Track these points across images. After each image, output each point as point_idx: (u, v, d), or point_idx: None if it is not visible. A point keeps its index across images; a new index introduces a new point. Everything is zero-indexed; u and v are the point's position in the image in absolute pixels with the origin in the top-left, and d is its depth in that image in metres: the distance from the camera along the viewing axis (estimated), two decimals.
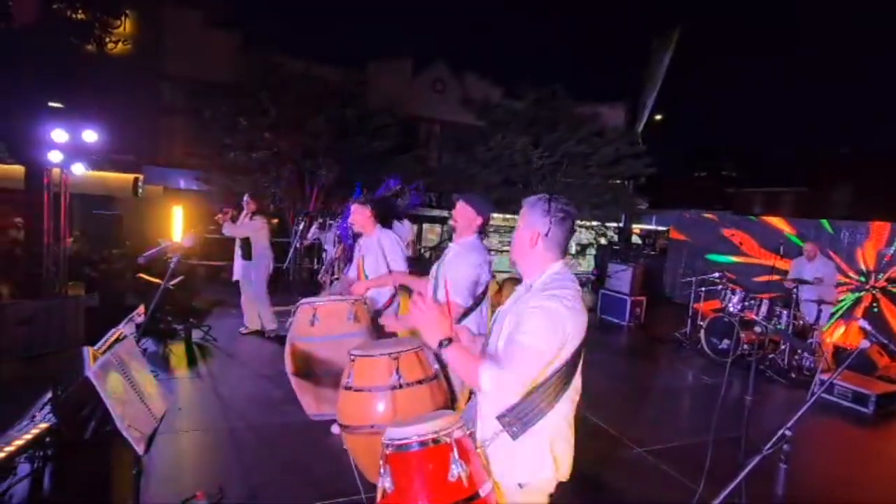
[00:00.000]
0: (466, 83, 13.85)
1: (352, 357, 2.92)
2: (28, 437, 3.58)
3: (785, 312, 6.99)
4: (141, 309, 6.78)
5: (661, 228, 13.00)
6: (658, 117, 14.05)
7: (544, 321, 1.66)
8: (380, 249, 4.23)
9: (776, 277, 8.04)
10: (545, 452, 1.75)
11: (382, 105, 10.90)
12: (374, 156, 10.28)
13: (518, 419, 1.71)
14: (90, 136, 7.83)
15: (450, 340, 1.71)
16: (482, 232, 3.21)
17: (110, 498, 3.35)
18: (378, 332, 4.03)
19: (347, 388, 2.97)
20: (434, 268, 3.30)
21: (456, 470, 1.62)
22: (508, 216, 11.00)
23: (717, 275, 7.83)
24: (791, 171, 16.42)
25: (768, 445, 2.00)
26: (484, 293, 3.14)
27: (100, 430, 3.01)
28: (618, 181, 11.97)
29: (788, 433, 2.08)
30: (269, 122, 9.64)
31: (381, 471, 1.70)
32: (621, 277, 8.89)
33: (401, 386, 2.71)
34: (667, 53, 13.15)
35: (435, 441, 1.67)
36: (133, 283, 8.15)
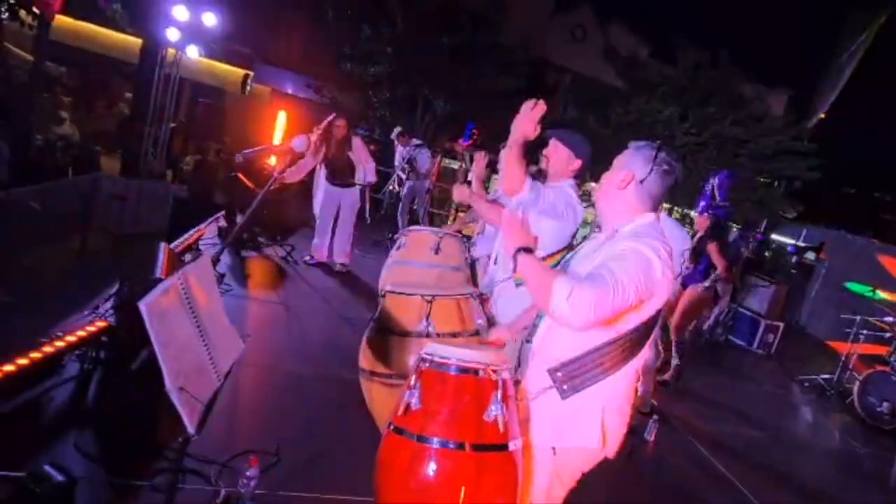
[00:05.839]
0: (610, 35, 12.15)
1: (383, 292, 2.67)
2: (82, 333, 3.13)
3: None
4: (223, 212, 6.33)
5: (800, 244, 11.11)
6: (822, 115, 11.74)
7: (636, 263, 1.49)
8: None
9: None
10: (595, 419, 1.59)
11: (516, 40, 9.61)
12: (498, 93, 9.14)
13: (570, 377, 1.57)
14: (210, 19, 7.46)
15: (529, 250, 1.57)
16: (578, 178, 2.76)
17: (155, 434, 2.82)
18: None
19: (371, 325, 2.71)
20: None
21: (495, 411, 1.49)
22: None
23: (890, 319, 6.34)
24: None
25: None
26: (563, 255, 2.54)
27: (152, 363, 2.37)
28: (767, 180, 10.18)
29: None
30: (394, 35, 8.69)
31: (410, 383, 1.56)
32: (759, 295, 7.50)
33: (428, 335, 2.45)
34: (861, 40, 10.72)
35: (476, 373, 1.53)
36: (226, 181, 7.80)
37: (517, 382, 1.69)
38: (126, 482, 2.35)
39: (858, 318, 6.58)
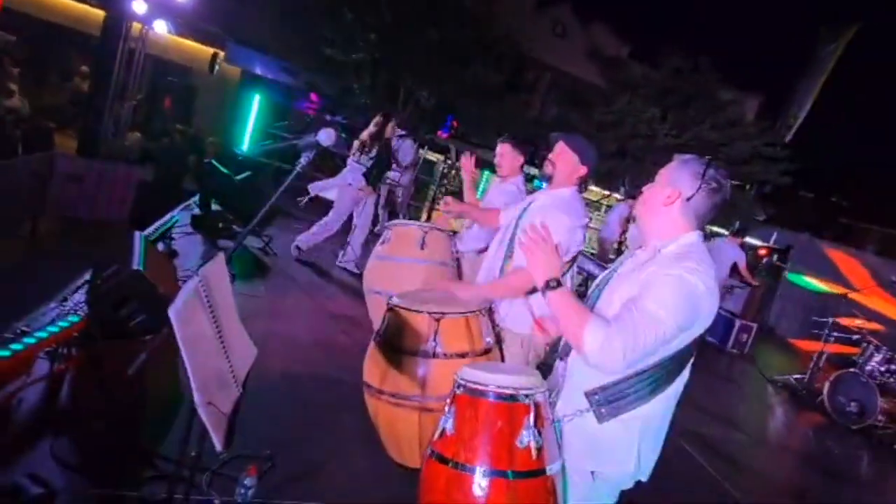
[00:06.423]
0: (591, 33, 12.15)
1: (389, 305, 2.57)
2: (53, 329, 2.85)
3: None
4: (196, 200, 5.96)
5: (764, 245, 11.45)
6: (799, 121, 12.06)
7: (679, 293, 1.44)
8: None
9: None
10: (631, 444, 1.57)
11: (499, 34, 9.47)
12: (483, 89, 8.98)
13: (609, 401, 1.55)
14: None
15: (558, 283, 1.55)
16: (582, 187, 2.63)
17: (137, 439, 2.56)
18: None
19: (376, 339, 2.63)
20: (507, 223, 2.74)
21: (527, 437, 1.48)
22: (608, 193, 9.65)
23: (859, 322, 6.58)
24: None
25: None
26: (569, 266, 2.61)
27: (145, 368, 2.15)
28: (738, 183, 10.42)
29: None
30: (379, 23, 8.39)
31: (446, 409, 1.58)
32: (734, 295, 7.66)
33: (435, 354, 2.36)
34: (833, 49, 11.10)
35: (512, 398, 1.52)
36: (199, 167, 7.34)
37: (552, 404, 1.65)
38: (110, 493, 2.14)
39: (830, 320, 6.80)
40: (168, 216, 5.26)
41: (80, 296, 3.32)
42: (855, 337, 6.56)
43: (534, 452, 1.47)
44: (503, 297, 2.60)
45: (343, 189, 5.74)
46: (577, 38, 12.04)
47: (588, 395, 1.57)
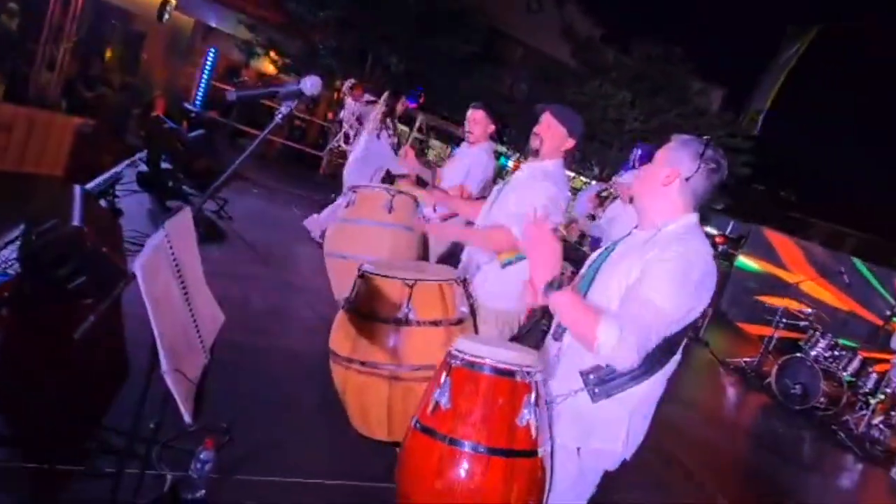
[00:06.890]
0: (565, 13, 11.97)
1: (360, 272, 2.47)
2: None
3: (875, 374, 6.12)
4: (143, 156, 5.49)
5: (720, 233, 11.82)
6: (762, 116, 12.39)
7: (680, 280, 1.45)
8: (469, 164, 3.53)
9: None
10: (622, 424, 1.58)
11: (474, 5, 9.16)
12: (455, 60, 8.69)
13: (603, 381, 1.55)
14: None
15: (560, 284, 1.50)
16: (568, 160, 2.57)
17: (75, 408, 2.28)
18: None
19: (346, 307, 2.50)
20: (490, 199, 2.68)
21: (527, 415, 1.46)
22: (573, 174, 9.64)
23: (809, 311, 6.89)
24: (862, 214, 15.04)
25: None
26: None
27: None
28: None
29: None
30: None
31: (440, 382, 1.52)
32: None
33: (408, 321, 2.27)
34: (796, 49, 11.42)
35: (511, 373, 1.49)
36: (141, 120, 6.76)
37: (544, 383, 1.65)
38: (47, 467, 1.94)
39: (781, 308, 7.08)
40: (111, 172, 4.81)
41: (10, 252, 2.97)
42: (802, 324, 6.86)
43: (533, 431, 1.46)
44: (478, 244, 2.62)
45: (362, 166, 5.38)
46: (552, 15, 11.85)
47: (583, 374, 1.57)
